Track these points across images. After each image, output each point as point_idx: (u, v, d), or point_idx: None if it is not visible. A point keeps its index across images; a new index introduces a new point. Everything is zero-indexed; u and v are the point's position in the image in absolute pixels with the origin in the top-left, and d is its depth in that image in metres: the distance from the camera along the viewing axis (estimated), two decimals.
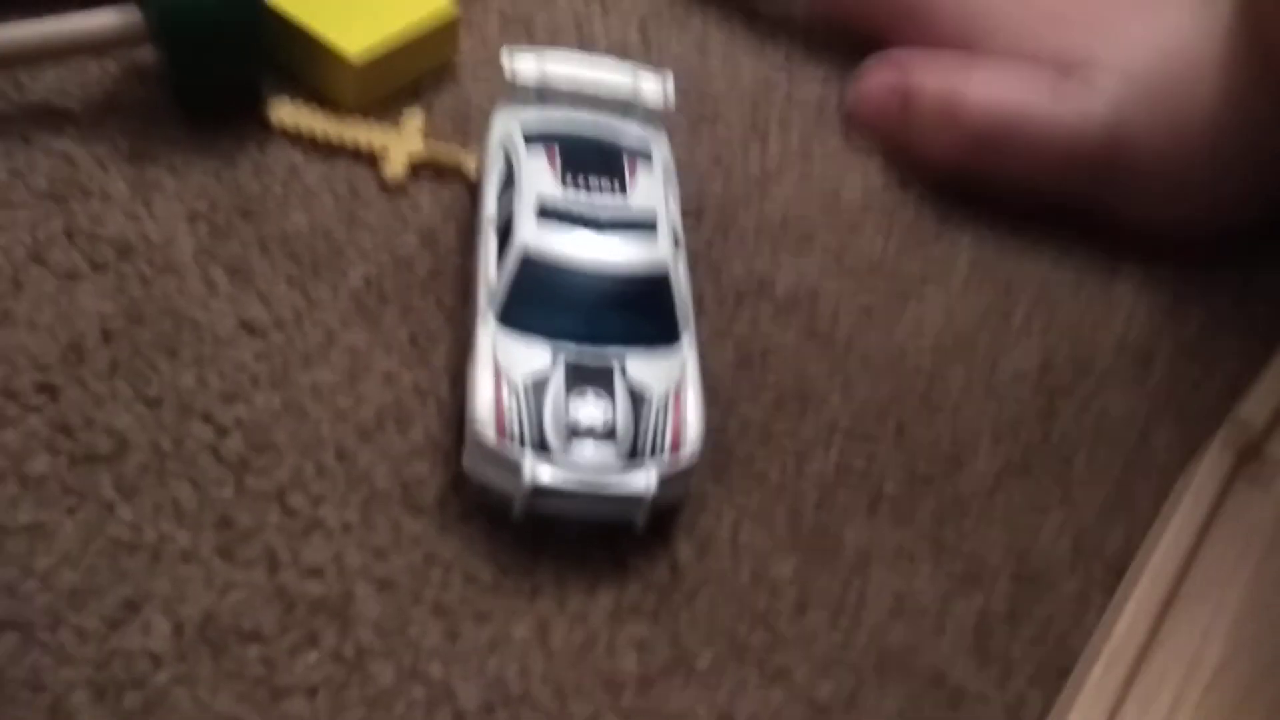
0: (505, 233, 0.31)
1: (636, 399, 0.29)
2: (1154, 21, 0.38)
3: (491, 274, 0.31)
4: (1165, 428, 0.34)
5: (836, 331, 0.35)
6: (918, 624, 0.30)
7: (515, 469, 0.28)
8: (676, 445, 0.29)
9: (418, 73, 0.38)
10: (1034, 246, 0.38)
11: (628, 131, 0.34)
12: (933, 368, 0.35)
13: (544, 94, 0.34)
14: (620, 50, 0.41)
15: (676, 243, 0.32)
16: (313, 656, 0.27)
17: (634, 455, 0.28)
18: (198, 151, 0.35)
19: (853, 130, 0.41)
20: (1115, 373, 0.36)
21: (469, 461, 0.29)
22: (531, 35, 0.41)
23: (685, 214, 0.35)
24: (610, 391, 0.29)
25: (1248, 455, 0.32)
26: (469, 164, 0.36)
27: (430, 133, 0.37)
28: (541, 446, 0.28)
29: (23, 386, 0.29)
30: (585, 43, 0.41)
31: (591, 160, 0.32)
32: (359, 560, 0.28)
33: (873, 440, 0.33)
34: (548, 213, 0.31)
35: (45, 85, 0.36)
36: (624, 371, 0.29)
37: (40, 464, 0.28)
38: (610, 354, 0.29)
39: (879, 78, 0.40)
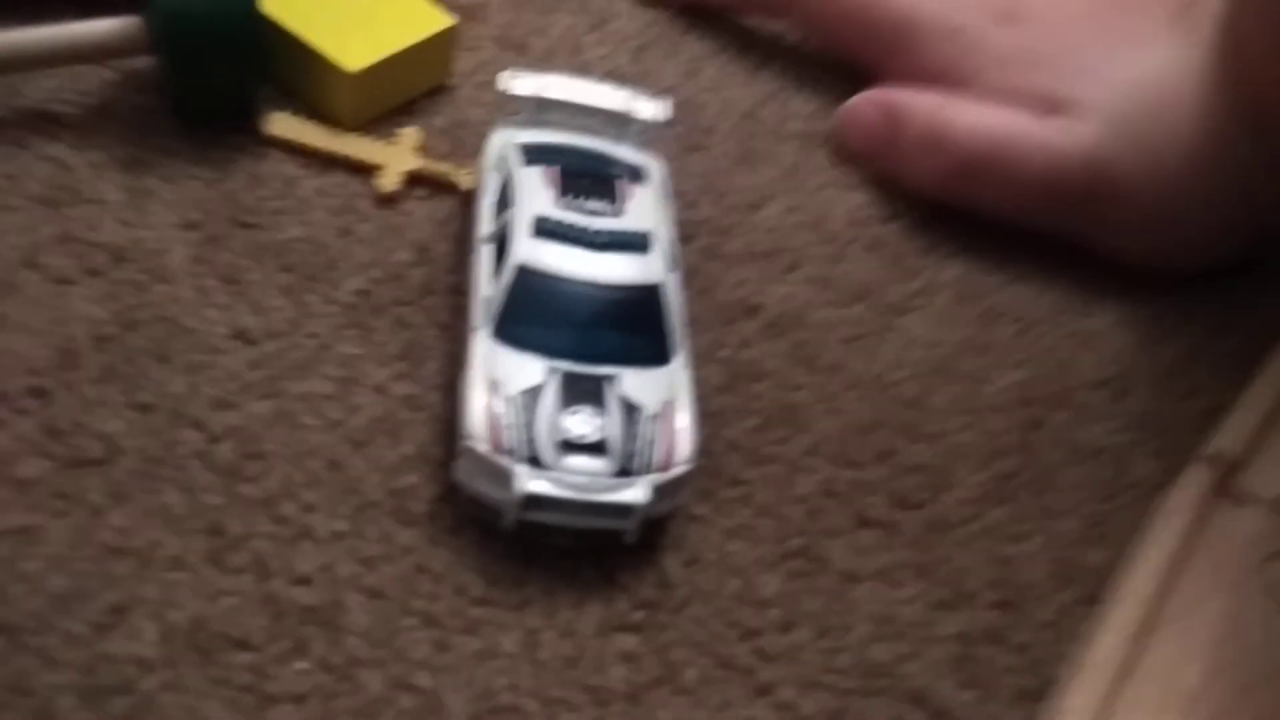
0: (501, 249, 0.31)
1: (629, 414, 0.29)
2: (1133, 60, 0.39)
3: (487, 288, 0.31)
4: (1142, 457, 0.35)
5: (823, 355, 0.35)
6: (900, 644, 0.30)
7: (506, 479, 0.28)
8: (668, 461, 0.29)
9: (414, 90, 0.39)
10: (1016, 278, 0.39)
11: (624, 154, 0.34)
12: (916, 393, 0.35)
13: (541, 115, 0.35)
14: (613, 75, 0.41)
15: (670, 263, 0.32)
16: (301, 665, 0.27)
17: (626, 470, 0.29)
18: (193, 161, 0.35)
19: (839, 152, 0.41)
20: (1093, 402, 0.36)
21: (460, 473, 0.29)
22: (526, 58, 0.41)
23: (675, 237, 0.35)
24: (603, 406, 0.29)
25: (1223, 484, 0.33)
26: (463, 181, 0.36)
27: (425, 150, 0.37)
28: (533, 460, 0.28)
29: (14, 390, 0.29)
30: (579, 67, 0.42)
31: (588, 181, 0.33)
32: (349, 570, 0.28)
33: (858, 463, 0.33)
34: (544, 231, 0.31)
35: (42, 91, 0.36)
36: (617, 387, 0.29)
37: (30, 468, 0.28)
38: (603, 370, 0.30)
39: (868, 100, 0.41)
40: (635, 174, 0.34)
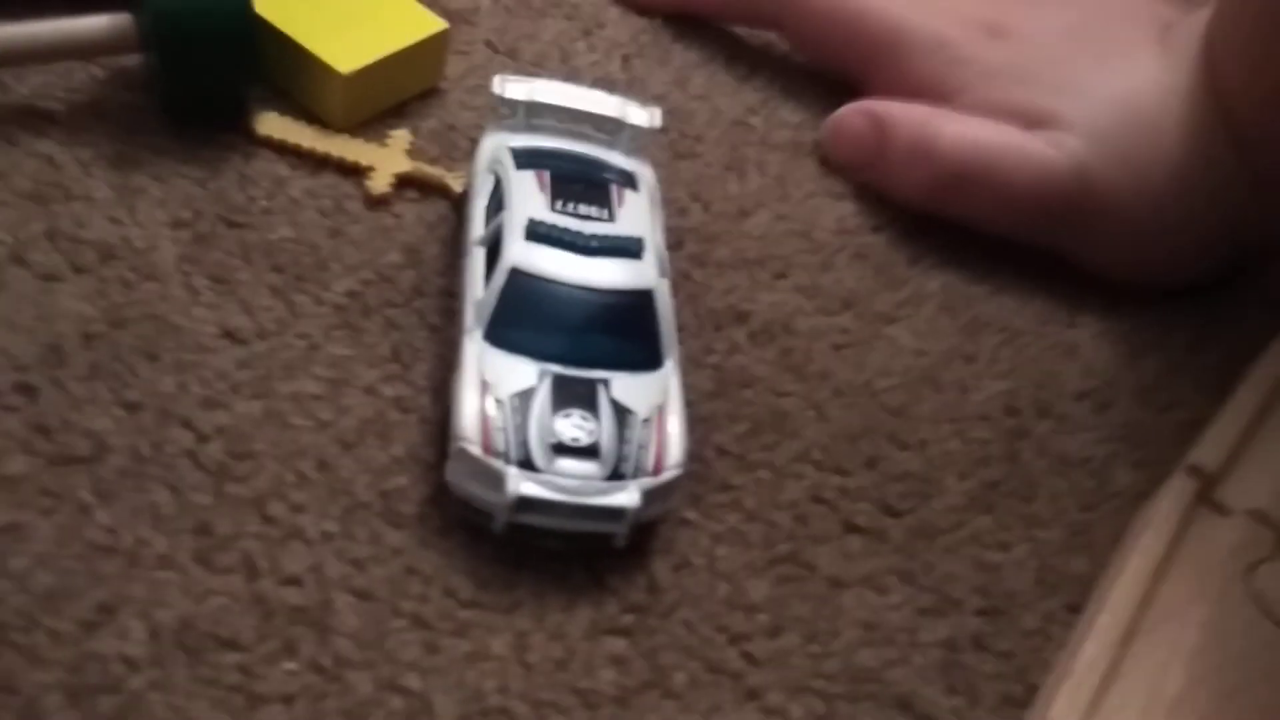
0: (493, 252, 0.31)
1: (620, 418, 0.29)
2: (1118, 76, 0.39)
3: (479, 291, 0.31)
4: (1124, 467, 0.36)
5: (810, 363, 0.36)
6: (887, 650, 0.30)
7: (498, 481, 0.28)
8: (659, 465, 0.29)
9: (405, 93, 0.39)
10: (1000, 289, 0.40)
11: (615, 160, 0.34)
12: (903, 402, 0.36)
13: (533, 120, 0.35)
14: (603, 82, 0.41)
15: (662, 269, 0.32)
16: (290, 665, 0.26)
17: (617, 473, 0.29)
18: (183, 159, 0.35)
19: (826, 162, 0.42)
20: (1076, 413, 0.37)
21: (452, 474, 0.29)
22: (517, 64, 0.42)
23: (666, 244, 0.35)
24: (595, 410, 0.29)
25: (1205, 495, 0.33)
26: (454, 184, 0.36)
27: (415, 153, 0.37)
28: (525, 462, 0.28)
29: (1, 386, 0.29)
30: (569, 73, 0.42)
31: (581, 186, 0.33)
32: (338, 570, 0.28)
33: (844, 471, 0.33)
34: (537, 235, 0.31)
35: (31, 87, 0.36)
36: (608, 391, 0.29)
37: (17, 464, 0.28)
38: (595, 374, 0.30)
39: (856, 111, 0.41)
40: (627, 180, 0.34)
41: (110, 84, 0.36)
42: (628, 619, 0.29)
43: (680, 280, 0.36)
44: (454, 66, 0.40)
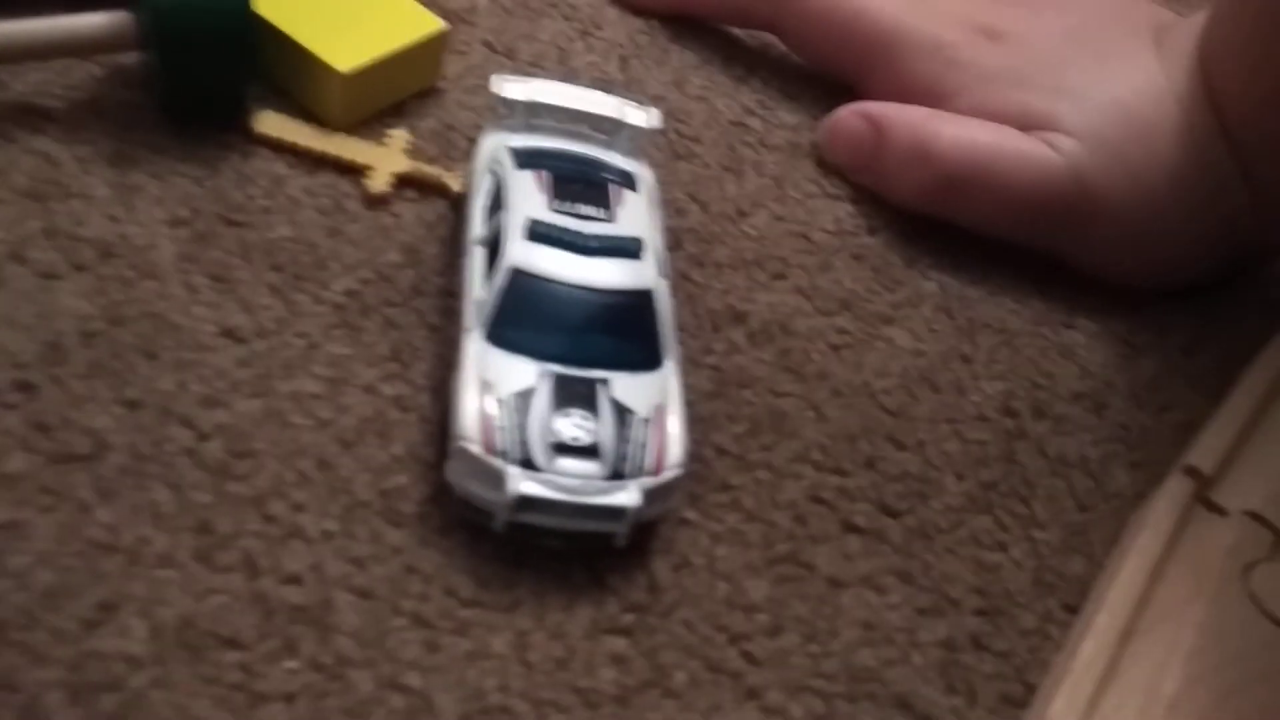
0: (493, 252, 0.31)
1: (621, 418, 0.29)
2: (1115, 79, 0.40)
3: (479, 291, 0.31)
4: (1121, 468, 0.36)
5: (808, 364, 0.36)
6: (886, 649, 0.30)
7: (499, 481, 0.28)
8: (659, 465, 0.29)
9: (404, 92, 0.39)
10: (997, 290, 0.40)
11: (614, 160, 0.35)
12: (899, 403, 0.36)
13: (532, 120, 0.35)
14: (601, 82, 0.41)
15: (661, 269, 0.32)
16: (291, 664, 0.26)
17: (617, 473, 0.29)
18: (181, 158, 0.35)
19: (824, 163, 0.42)
20: (1073, 414, 0.37)
21: (452, 473, 0.29)
22: (515, 64, 0.42)
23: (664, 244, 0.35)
24: (595, 410, 0.29)
25: (1200, 497, 0.33)
26: (453, 183, 0.36)
27: (414, 152, 0.37)
28: (526, 461, 0.28)
29: (0, 384, 0.29)
30: (567, 73, 0.42)
31: (580, 186, 0.33)
32: (338, 569, 0.28)
33: (843, 471, 0.34)
34: (537, 234, 0.31)
35: (29, 85, 0.35)
36: (608, 390, 0.30)
37: (17, 462, 0.28)
38: (595, 374, 0.30)
39: (853, 113, 0.41)
40: (626, 180, 0.34)
41: (109, 82, 0.36)
42: (628, 618, 0.29)
43: (679, 281, 0.37)
44: (452, 66, 0.40)
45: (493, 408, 0.29)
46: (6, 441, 0.28)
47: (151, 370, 0.30)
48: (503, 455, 0.28)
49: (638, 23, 0.45)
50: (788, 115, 0.43)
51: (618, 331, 0.31)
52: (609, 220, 0.32)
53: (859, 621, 0.31)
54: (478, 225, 0.33)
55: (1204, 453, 0.34)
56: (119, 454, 0.29)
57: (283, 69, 0.37)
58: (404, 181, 0.36)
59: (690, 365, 0.34)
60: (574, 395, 0.29)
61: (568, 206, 0.32)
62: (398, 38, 0.37)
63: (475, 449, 0.28)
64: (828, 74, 0.44)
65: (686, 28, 0.45)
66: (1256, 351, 0.38)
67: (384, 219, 0.36)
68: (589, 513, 0.29)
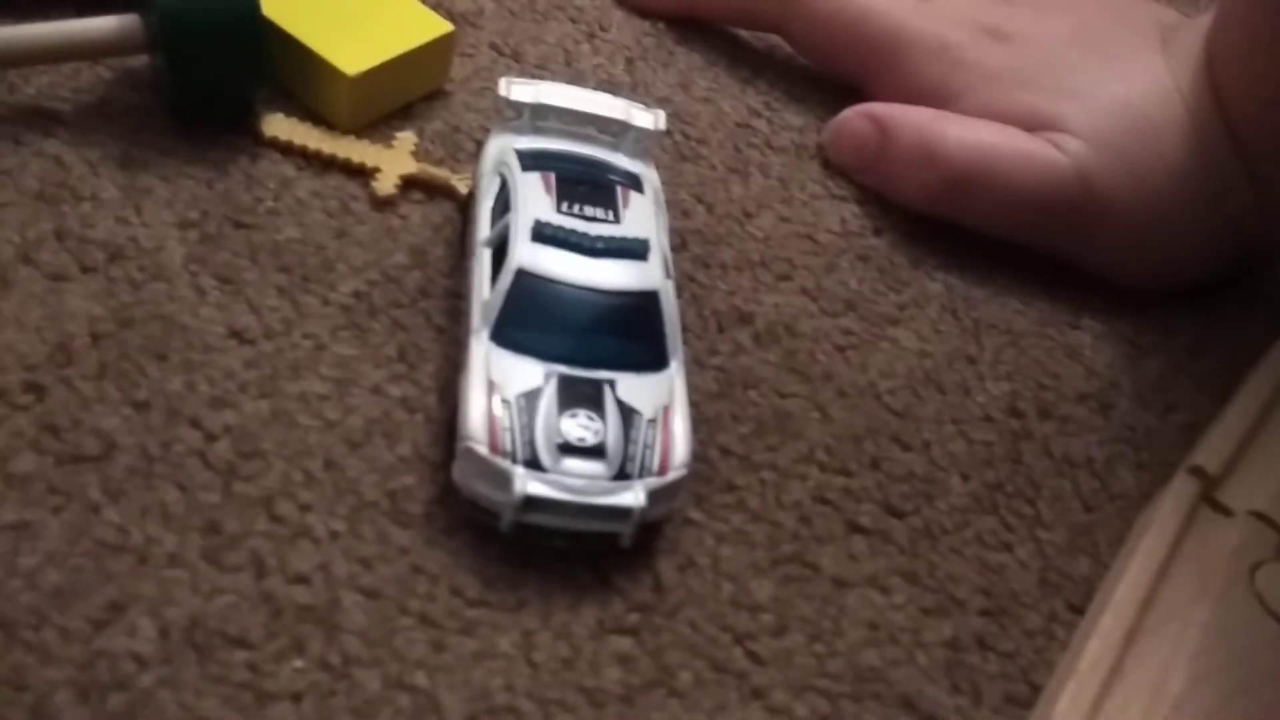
0: (499, 254, 0.32)
1: (626, 419, 0.29)
2: (1120, 81, 0.40)
3: (486, 292, 0.31)
4: (1125, 470, 0.36)
5: (814, 365, 0.36)
6: (891, 649, 0.30)
7: (505, 481, 0.28)
8: (665, 464, 0.29)
9: (411, 95, 0.39)
10: (1003, 291, 0.40)
11: (620, 161, 0.35)
12: (906, 403, 0.36)
13: (538, 122, 0.35)
14: (607, 85, 0.42)
15: (667, 270, 0.32)
16: (299, 663, 0.27)
17: (623, 473, 0.29)
18: (190, 160, 0.35)
19: (829, 164, 0.42)
20: (1078, 414, 0.37)
21: (459, 474, 0.29)
22: (522, 67, 0.42)
23: (669, 246, 0.35)
24: (601, 410, 0.29)
25: (1206, 497, 0.33)
26: (460, 186, 0.37)
27: (421, 154, 0.37)
28: (532, 462, 0.28)
29: (10, 386, 0.29)
30: (573, 75, 0.42)
31: (586, 187, 0.33)
32: (346, 569, 0.28)
33: (848, 472, 0.34)
34: (543, 236, 0.31)
35: (38, 88, 0.36)
36: (614, 391, 0.30)
37: (26, 463, 0.28)
38: (601, 375, 0.30)
39: (859, 114, 0.41)
40: (632, 181, 0.34)
41: (117, 85, 0.37)
42: (633, 618, 0.29)
43: (684, 282, 0.37)
44: (459, 69, 0.41)
45: (499, 409, 0.29)
46: (16, 442, 0.28)
47: (160, 371, 0.31)
48: (509, 456, 0.28)
49: (644, 25, 0.45)
50: (793, 117, 0.43)
51: (623, 333, 0.31)
52: (615, 222, 0.32)
53: (864, 621, 0.31)
54: (484, 227, 0.33)
55: (1209, 453, 0.34)
56: (128, 455, 0.29)
57: (290, 72, 0.37)
58: (411, 183, 0.37)
59: (696, 366, 0.35)
60: (580, 396, 0.29)
61: (574, 208, 0.32)
62: (405, 40, 0.37)
63: (481, 450, 0.28)
64: (833, 76, 0.44)
65: (693, 30, 0.45)
66: (1262, 352, 0.38)
67: (391, 221, 0.36)
68: (594, 513, 0.29)
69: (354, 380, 0.32)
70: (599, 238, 0.32)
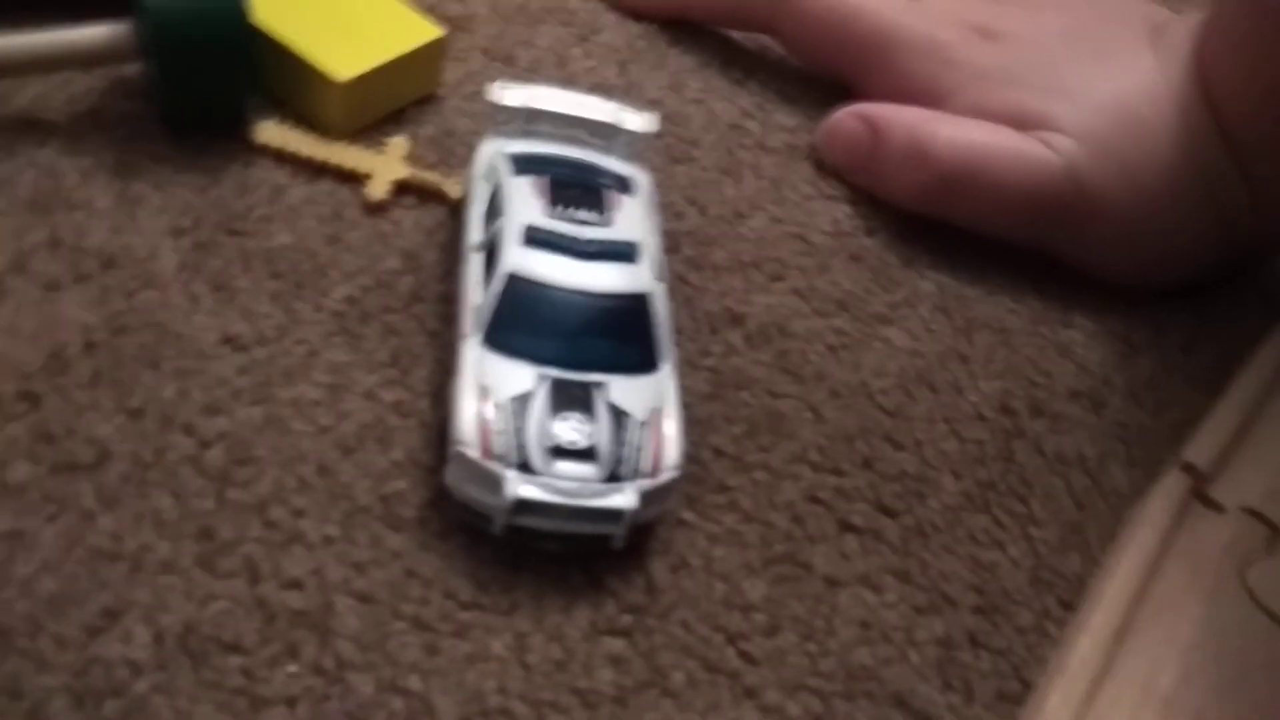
0: (491, 258, 0.32)
1: (618, 421, 0.29)
2: (1111, 78, 0.40)
3: (477, 296, 0.31)
4: (1117, 467, 0.36)
5: (806, 365, 0.36)
6: (883, 649, 0.30)
7: (497, 485, 0.28)
8: (656, 467, 0.29)
9: (402, 100, 0.39)
10: (994, 289, 0.40)
11: (611, 165, 0.35)
12: (898, 402, 0.36)
13: (530, 126, 0.35)
14: (599, 87, 0.42)
15: (658, 273, 0.32)
16: (293, 668, 0.27)
17: (614, 475, 0.29)
18: (182, 168, 0.35)
19: (821, 165, 0.42)
20: (1070, 412, 0.37)
21: (451, 478, 0.29)
22: (513, 71, 0.42)
23: (661, 248, 0.36)
24: (592, 413, 0.29)
25: (1197, 493, 0.33)
26: (452, 190, 0.37)
27: (413, 159, 0.37)
28: (523, 465, 0.29)
29: (4, 394, 0.29)
30: (566, 79, 0.42)
31: (577, 191, 0.33)
32: (339, 574, 0.28)
33: (840, 471, 0.34)
34: (534, 240, 0.31)
35: (30, 97, 0.36)
36: (605, 394, 0.30)
37: (20, 471, 0.28)
38: (592, 377, 0.30)
39: (850, 114, 0.41)
40: (623, 185, 0.34)
41: (110, 93, 0.37)
42: (626, 619, 0.29)
43: (677, 283, 0.37)
44: (451, 73, 0.41)
45: (490, 412, 0.29)
46: (11, 451, 0.29)
47: (153, 379, 0.31)
48: (500, 459, 0.29)
49: (635, 27, 0.45)
50: (785, 118, 0.44)
51: (614, 335, 0.31)
52: (605, 225, 0.33)
53: (856, 620, 0.31)
54: (476, 231, 0.33)
55: (1201, 449, 0.35)
56: (121, 462, 0.29)
57: (282, 78, 0.37)
58: (403, 188, 0.37)
59: (688, 367, 0.35)
60: (571, 399, 0.30)
61: (565, 212, 0.32)
62: (396, 46, 0.38)
63: (473, 453, 0.29)
64: (825, 76, 0.44)
65: (684, 31, 0.45)
66: (1255, 349, 0.39)
67: (383, 226, 0.36)
68: (586, 515, 0.29)
69: (347, 386, 0.32)
70: (590, 241, 0.32)
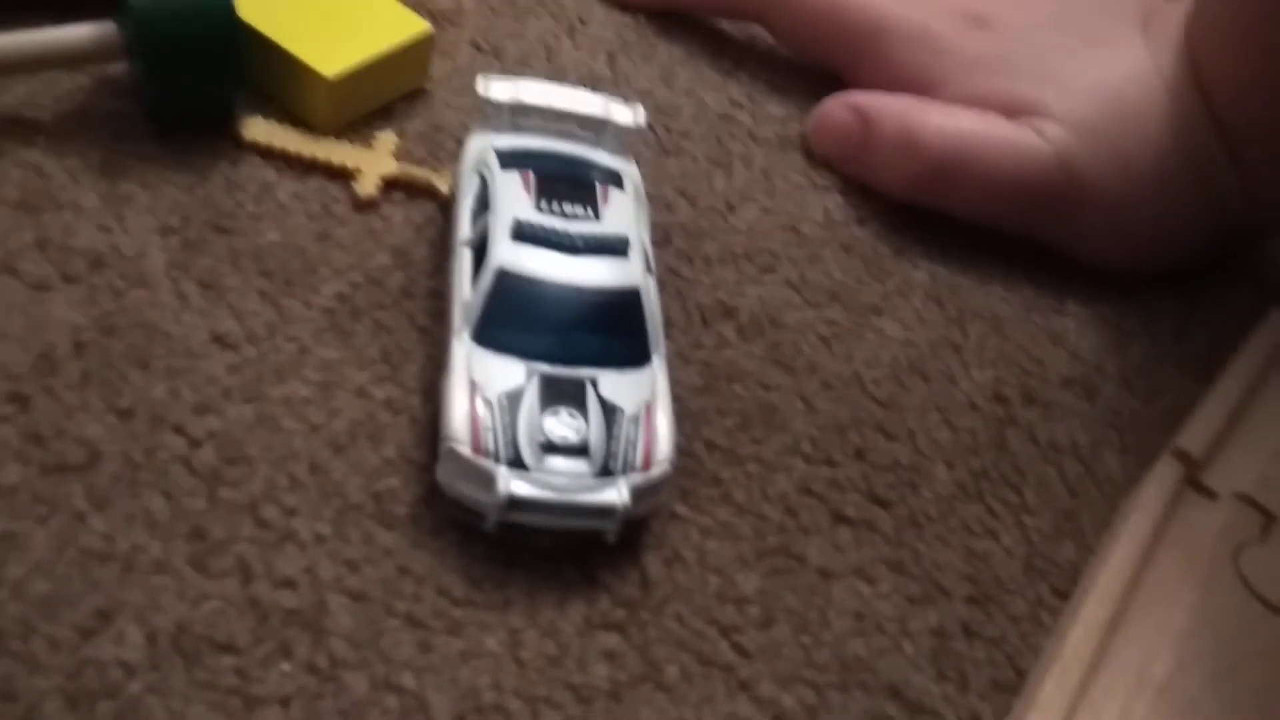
0: (480, 253, 0.32)
1: (609, 416, 0.29)
2: (1101, 65, 0.40)
3: (467, 292, 0.31)
4: (1110, 455, 0.36)
5: (798, 356, 0.36)
6: (877, 639, 0.30)
7: (489, 481, 0.28)
8: (648, 461, 0.29)
9: (390, 95, 0.39)
10: (986, 278, 0.40)
11: (600, 158, 0.35)
12: (891, 392, 0.36)
13: (518, 120, 0.35)
14: (588, 80, 0.42)
15: (648, 266, 0.32)
16: (286, 667, 0.27)
17: (606, 470, 0.29)
18: (170, 166, 0.35)
19: (812, 155, 0.42)
20: (1063, 400, 0.37)
21: (443, 475, 0.29)
22: (502, 64, 0.42)
23: (652, 240, 0.35)
24: (583, 408, 0.29)
25: (1192, 479, 0.33)
26: (441, 185, 0.37)
27: (402, 154, 0.37)
28: (515, 461, 0.29)
29: None
30: (554, 72, 0.42)
31: (566, 185, 0.33)
32: (332, 572, 0.28)
33: (833, 463, 0.34)
34: (523, 235, 0.31)
35: (16, 97, 0.36)
36: (596, 389, 0.30)
37: (11, 473, 0.28)
38: (583, 373, 0.30)
39: (840, 104, 0.41)
40: (612, 178, 0.34)
41: (96, 92, 0.37)
42: (620, 614, 0.29)
43: (668, 276, 0.37)
44: (439, 67, 0.41)
45: (481, 409, 0.29)
46: (1, 453, 0.28)
47: (143, 379, 0.31)
48: (492, 456, 0.28)
49: (624, 19, 0.45)
50: (775, 108, 0.43)
51: (605, 330, 0.31)
52: (595, 219, 0.32)
53: (850, 612, 0.31)
54: (465, 227, 0.33)
55: (1194, 436, 0.35)
56: (112, 463, 0.29)
57: (269, 75, 0.37)
58: (392, 184, 0.37)
59: (680, 360, 0.35)
60: (562, 394, 0.29)
61: (553, 206, 0.32)
62: (383, 41, 0.37)
63: (464, 450, 0.29)
64: (815, 65, 0.44)
65: (673, 22, 0.45)
66: (1247, 335, 0.39)
67: (373, 222, 0.36)
68: (579, 511, 0.29)
69: (338, 383, 0.32)
70: (579, 235, 0.32)
